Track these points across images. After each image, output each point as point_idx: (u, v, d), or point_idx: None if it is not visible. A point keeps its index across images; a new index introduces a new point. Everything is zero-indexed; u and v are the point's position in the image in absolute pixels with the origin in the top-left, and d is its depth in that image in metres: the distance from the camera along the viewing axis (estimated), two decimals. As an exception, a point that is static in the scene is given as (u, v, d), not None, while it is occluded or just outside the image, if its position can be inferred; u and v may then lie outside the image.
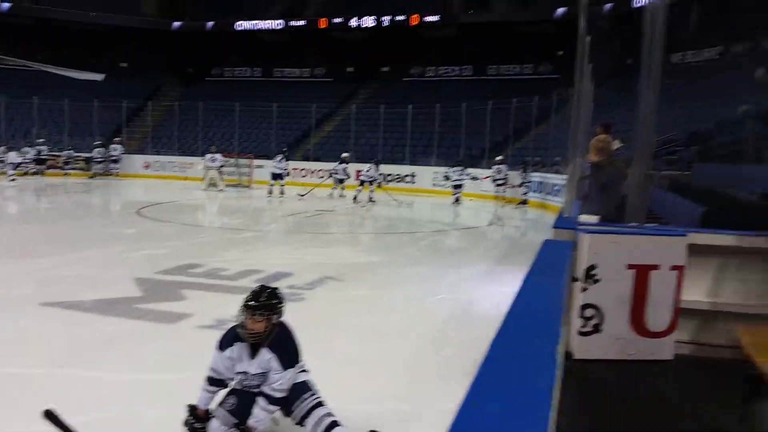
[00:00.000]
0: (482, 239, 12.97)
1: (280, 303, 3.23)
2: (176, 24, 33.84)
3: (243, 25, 32.47)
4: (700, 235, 3.90)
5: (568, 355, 3.63)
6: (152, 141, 29.21)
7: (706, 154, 12.21)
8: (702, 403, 3.22)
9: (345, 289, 7.03)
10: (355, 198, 18.55)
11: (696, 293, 3.94)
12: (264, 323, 3.12)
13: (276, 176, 19.67)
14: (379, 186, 19.44)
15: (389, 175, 23.53)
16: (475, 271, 8.37)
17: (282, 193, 19.42)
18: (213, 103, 29.22)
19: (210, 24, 33.18)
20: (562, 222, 4.16)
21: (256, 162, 24.44)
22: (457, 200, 19.57)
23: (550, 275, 2.30)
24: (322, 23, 31.42)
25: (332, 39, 33.20)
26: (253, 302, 3.13)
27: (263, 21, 32.49)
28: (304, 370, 3.30)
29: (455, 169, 20.51)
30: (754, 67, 6.83)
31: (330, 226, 13.99)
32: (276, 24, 32.27)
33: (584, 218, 4.20)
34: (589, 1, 4.02)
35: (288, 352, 3.21)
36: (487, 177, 20.72)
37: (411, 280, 7.73)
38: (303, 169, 24.90)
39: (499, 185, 19.84)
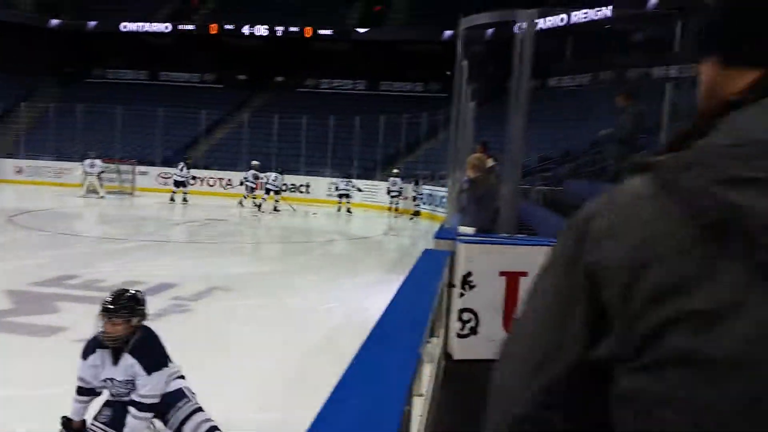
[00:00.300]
0: (375, 249, 13.25)
1: (141, 305, 3.18)
2: (54, 22, 31.78)
3: (128, 26, 31.04)
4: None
5: (448, 356, 3.87)
6: (26, 144, 27.18)
7: (576, 171, 13.22)
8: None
9: (233, 300, 6.98)
10: (259, 206, 18.52)
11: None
12: (123, 326, 3.06)
13: (178, 184, 19.72)
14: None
15: (284, 184, 23.51)
16: (366, 280, 8.57)
17: (185, 200, 19.34)
18: (93, 106, 27.69)
19: (92, 24, 31.43)
20: (442, 233, 4.43)
21: (140, 168, 23.47)
22: (348, 210, 20.07)
23: (424, 282, 2.49)
24: (213, 29, 30.73)
25: (224, 45, 32.54)
26: (110, 305, 3.08)
27: (150, 23, 31.27)
28: (179, 377, 3.27)
29: (342, 179, 21.03)
30: (618, 92, 7.57)
31: (221, 235, 13.71)
32: (164, 27, 31.16)
33: (462, 229, 4.49)
34: (467, 28, 4.34)
35: (151, 356, 3.14)
36: (389, 189, 21.30)
37: (302, 289, 7.78)
38: (194, 177, 24.23)
39: (393, 197, 20.47)
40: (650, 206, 0.56)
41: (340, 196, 20.57)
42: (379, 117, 25.52)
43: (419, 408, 2.16)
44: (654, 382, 0.53)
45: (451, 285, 3.73)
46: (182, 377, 3.28)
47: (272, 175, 19.55)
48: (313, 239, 13.85)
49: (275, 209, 18.65)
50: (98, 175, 20.56)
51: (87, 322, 5.41)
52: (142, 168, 23.65)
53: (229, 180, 24.17)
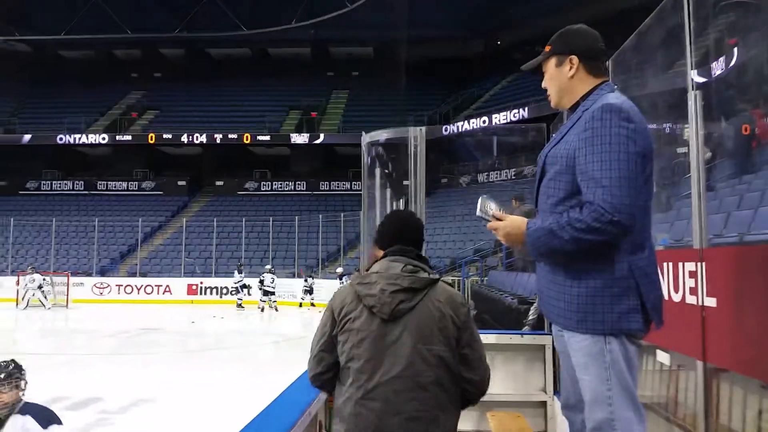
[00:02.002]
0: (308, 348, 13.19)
1: (23, 370, 3.48)
2: (-13, 136, 31.67)
3: (64, 139, 31.11)
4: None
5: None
6: (-48, 259, 26.32)
7: (502, 262, 13.82)
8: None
9: (160, 412, 6.90)
10: (263, 309, 20.43)
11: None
12: (12, 394, 3.32)
13: (267, 293, 20.85)
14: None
15: (225, 288, 23.66)
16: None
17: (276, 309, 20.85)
18: (27, 219, 27.31)
19: (27, 137, 31.32)
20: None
21: (75, 280, 22.98)
22: (261, 309, 20.86)
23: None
24: (150, 138, 31.16)
25: (162, 153, 33.00)
26: None
27: (87, 135, 31.48)
28: None
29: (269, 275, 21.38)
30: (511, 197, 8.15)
31: (154, 345, 13.44)
32: (100, 138, 31.38)
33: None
34: (370, 140, 4.83)
35: (44, 412, 3.39)
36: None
37: (236, 397, 7.73)
38: (128, 286, 23.81)
39: (305, 292, 21.46)
40: (348, 290, 2.10)
41: (267, 293, 21.10)
42: (318, 216, 26.09)
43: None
44: (344, 338, 2.01)
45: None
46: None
47: (269, 276, 20.72)
48: (252, 343, 13.74)
49: (276, 309, 20.57)
50: (39, 288, 20.77)
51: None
52: (78, 279, 23.21)
53: (168, 286, 23.89)
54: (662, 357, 2.95)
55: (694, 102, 2.45)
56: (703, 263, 2.43)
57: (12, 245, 26.39)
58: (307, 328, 16.84)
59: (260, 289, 20.86)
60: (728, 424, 2.45)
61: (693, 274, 2.51)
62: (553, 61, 2.00)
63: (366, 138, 4.77)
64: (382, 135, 4.76)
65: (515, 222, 1.93)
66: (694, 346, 2.49)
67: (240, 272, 22.15)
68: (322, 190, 31.89)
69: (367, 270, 2.08)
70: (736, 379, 2.40)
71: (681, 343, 2.68)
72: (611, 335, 1.82)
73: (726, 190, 7.36)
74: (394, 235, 2.16)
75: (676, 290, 2.64)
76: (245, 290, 22.06)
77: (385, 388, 1.88)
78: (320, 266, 25.05)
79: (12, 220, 26.78)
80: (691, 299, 2.52)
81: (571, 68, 1.96)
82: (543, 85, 2.06)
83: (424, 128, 4.35)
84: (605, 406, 1.80)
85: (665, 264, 2.70)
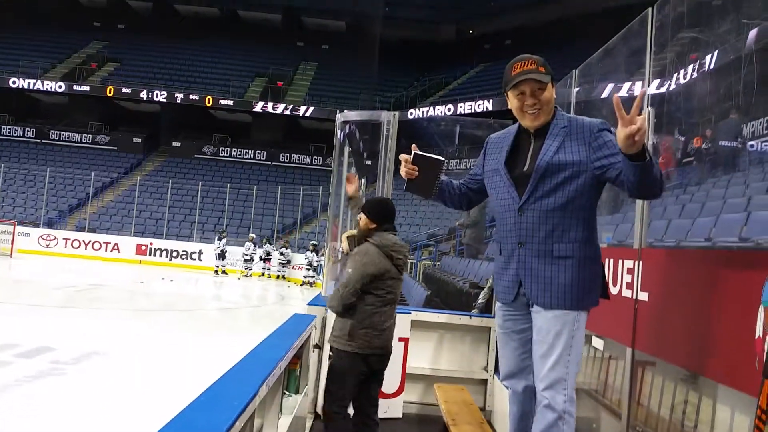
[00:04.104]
0: (261, 316, 13.36)
1: None
2: (-66, 72, 30.25)
3: (18, 82, 30.00)
4: (421, 314, 4.91)
5: (318, 415, 4.24)
6: None
7: (454, 248, 14.21)
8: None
9: (113, 364, 6.99)
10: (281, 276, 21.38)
11: (422, 361, 4.88)
12: None
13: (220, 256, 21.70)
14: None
15: (176, 251, 23.44)
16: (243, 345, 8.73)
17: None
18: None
19: (-23, 77, 30.11)
20: (316, 300, 4.91)
21: (21, 229, 22.40)
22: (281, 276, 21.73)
23: (278, 342, 2.94)
24: (109, 91, 30.34)
25: (119, 107, 32.16)
26: None
27: (43, 81, 30.42)
28: None
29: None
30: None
31: (102, 300, 13.36)
32: (57, 86, 30.39)
33: (334, 297, 4.98)
34: (344, 119, 5.01)
35: None
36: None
37: (180, 354, 7.88)
38: (75, 240, 23.37)
39: (281, 264, 21.27)
40: (380, 254, 3.24)
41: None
42: (276, 187, 26.03)
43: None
44: (383, 282, 3.25)
45: (316, 346, 4.18)
46: None
47: (248, 245, 21.31)
48: (200, 306, 13.79)
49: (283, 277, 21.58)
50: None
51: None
52: (24, 229, 22.63)
53: (116, 244, 23.56)
54: (596, 343, 3.27)
55: (647, 118, 2.73)
56: (641, 262, 2.74)
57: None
58: (257, 297, 16.94)
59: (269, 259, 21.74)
60: (647, 404, 2.77)
61: (630, 271, 2.82)
62: (550, 85, 2.26)
63: (340, 117, 4.95)
64: (355, 115, 4.94)
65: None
66: (625, 335, 2.81)
67: (254, 244, 21.77)
68: (282, 162, 31.74)
69: (366, 236, 3.31)
70: (659, 367, 2.73)
71: (614, 331, 3.00)
72: (584, 311, 2.28)
73: (670, 199, 7.82)
74: (388, 217, 3.38)
75: (615, 284, 2.95)
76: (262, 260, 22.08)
77: (393, 309, 3.34)
78: (275, 237, 25.07)
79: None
80: (626, 293, 2.84)
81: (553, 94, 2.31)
82: (536, 97, 2.24)
83: (396, 113, 4.57)
84: (563, 367, 2.21)
85: (607, 260, 3.00)
